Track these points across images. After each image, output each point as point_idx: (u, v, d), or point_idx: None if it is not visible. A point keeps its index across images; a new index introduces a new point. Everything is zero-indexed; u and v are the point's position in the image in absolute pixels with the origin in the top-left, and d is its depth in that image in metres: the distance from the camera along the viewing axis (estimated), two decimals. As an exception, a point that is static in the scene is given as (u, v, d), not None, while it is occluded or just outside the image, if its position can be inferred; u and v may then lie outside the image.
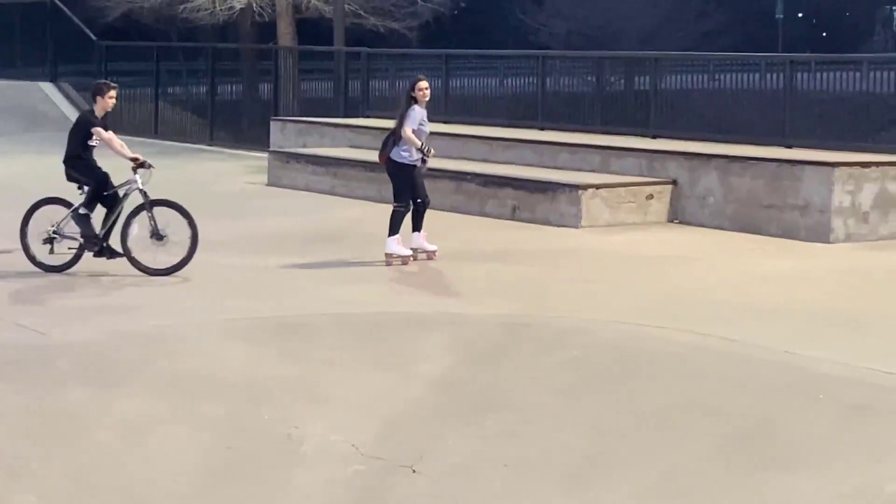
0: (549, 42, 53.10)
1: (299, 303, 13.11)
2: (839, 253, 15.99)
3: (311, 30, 35.85)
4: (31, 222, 15.20)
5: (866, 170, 16.97)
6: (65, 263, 14.88)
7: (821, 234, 16.69)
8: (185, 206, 15.21)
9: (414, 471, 9.87)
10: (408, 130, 15.17)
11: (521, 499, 9.32)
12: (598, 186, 18.29)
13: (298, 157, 23.55)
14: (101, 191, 15.08)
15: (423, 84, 15.65)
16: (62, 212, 15.12)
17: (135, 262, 14.79)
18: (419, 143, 15.17)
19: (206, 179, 24.62)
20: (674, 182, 18.64)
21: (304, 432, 10.36)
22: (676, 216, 18.50)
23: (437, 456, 10.02)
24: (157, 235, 14.92)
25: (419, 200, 15.42)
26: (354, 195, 21.43)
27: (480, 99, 26.31)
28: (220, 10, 34.68)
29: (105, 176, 15.14)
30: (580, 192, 18.10)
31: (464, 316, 12.33)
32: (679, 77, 23.39)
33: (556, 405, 10.43)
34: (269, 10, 35.22)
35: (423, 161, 15.58)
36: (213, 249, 16.37)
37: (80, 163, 15.11)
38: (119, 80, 34.80)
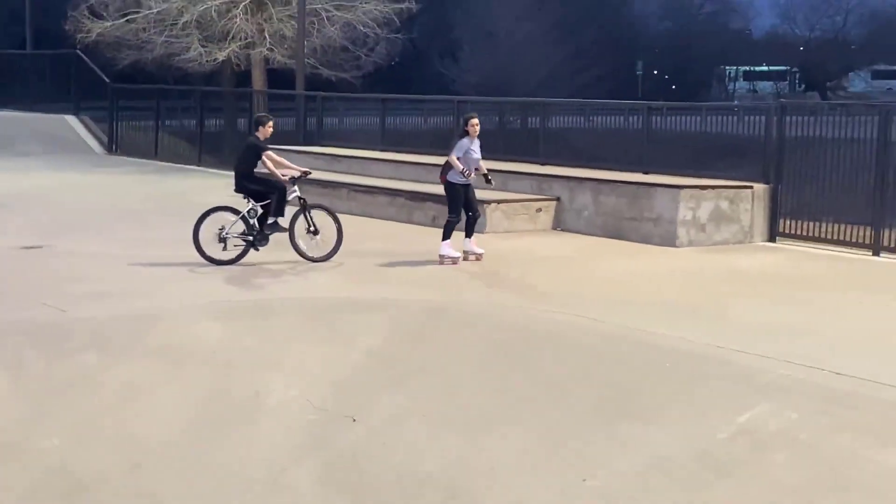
0: (462, 90, 53.20)
1: (267, 289, 13.03)
2: (683, 255, 16.13)
3: (279, 77, 35.74)
4: (203, 226, 14.98)
5: (704, 191, 17.14)
6: (235, 258, 14.83)
7: (669, 240, 16.83)
8: (333, 209, 15.77)
9: (354, 420, 9.84)
10: (453, 157, 14.77)
11: (436, 444, 9.30)
12: (499, 202, 18.34)
13: (267, 177, 23.41)
14: (285, 197, 15.07)
15: (475, 120, 15.20)
16: (229, 217, 15.07)
17: (299, 251, 15.14)
18: (460, 167, 14.70)
19: (195, 192, 24.40)
20: (557, 199, 18.74)
21: (269, 390, 10.31)
22: (559, 225, 18.59)
23: (372, 409, 9.99)
24: (313, 231, 15.17)
25: (471, 213, 15.04)
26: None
27: (409, 133, 26.28)
28: (207, 61, 34.52)
29: (284, 185, 15.12)
30: (486, 205, 18.07)
31: (395, 301, 12.31)
32: (562, 118, 23.54)
33: (466, 372, 10.42)
34: (245, 62, 35.09)
35: (488, 181, 15.41)
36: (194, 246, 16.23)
37: (254, 178, 15.38)
38: (125, 114, 35.00)
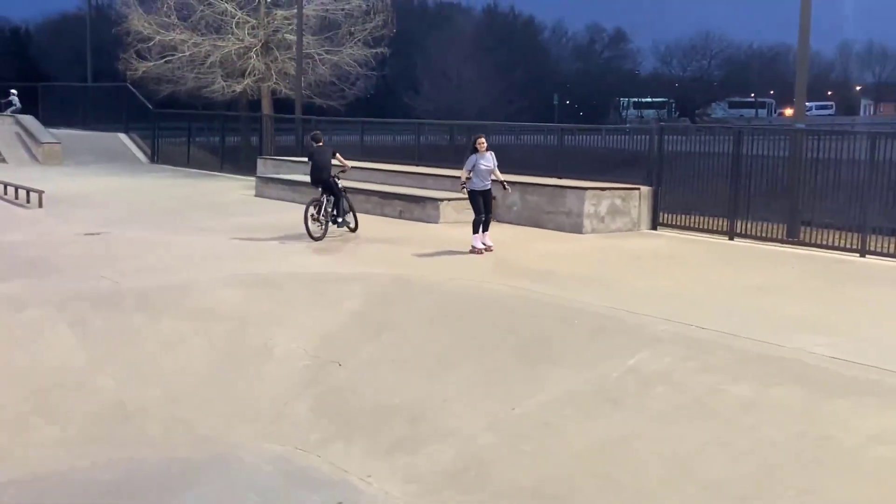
0: (422, 115, 53.00)
1: (270, 266, 12.97)
2: (588, 239, 16.18)
3: (282, 104, 35.52)
4: (307, 212, 15.56)
5: (603, 192, 17.18)
6: (322, 234, 15.52)
7: (577, 229, 16.86)
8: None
9: (339, 365, 9.85)
10: (463, 172, 14.25)
11: (401, 382, 9.35)
12: (449, 199, 18.28)
13: (273, 180, 23.25)
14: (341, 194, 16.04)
15: (481, 139, 14.38)
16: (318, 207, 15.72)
17: (345, 226, 16.09)
18: (462, 178, 14.25)
19: (217, 192, 24.25)
20: (494, 197, 18.66)
21: (275, 342, 10.30)
22: (496, 218, 18.48)
23: (353, 356, 10.01)
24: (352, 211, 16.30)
25: (486, 213, 14.35)
26: (306, 203, 21.20)
27: (382, 147, 26.18)
28: (227, 92, 34.33)
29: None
30: (439, 202, 18.10)
31: (370, 274, 12.29)
32: (498, 136, 23.42)
33: (424, 328, 10.45)
34: (257, 93, 34.91)
35: (504, 188, 14.92)
36: (220, 232, 16.13)
37: (331, 178, 15.98)
38: (164, 132, 34.76)
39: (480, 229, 14.31)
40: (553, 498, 7.08)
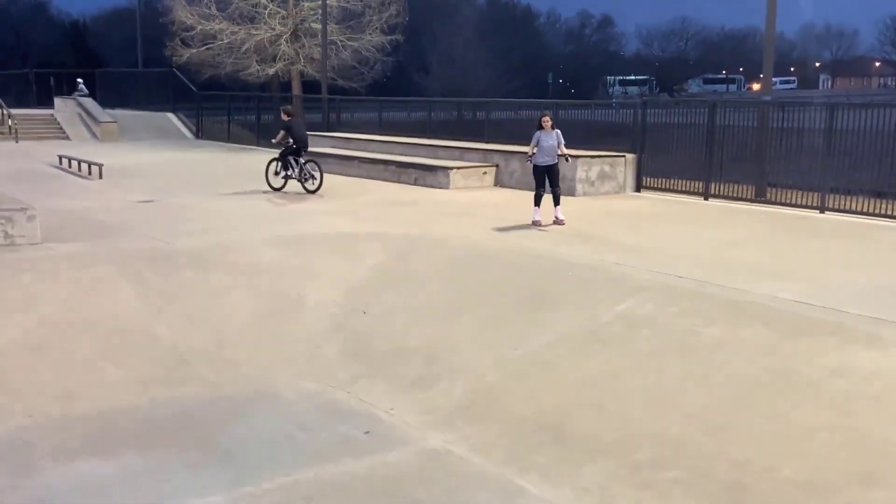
0: (432, 93, 52.64)
1: (302, 227, 12.95)
2: (580, 202, 16.10)
3: (310, 86, 35.31)
4: (270, 168, 17.14)
5: (593, 159, 17.08)
6: (282, 186, 16.83)
7: (571, 192, 16.72)
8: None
9: (364, 312, 9.86)
10: (530, 147, 13.14)
11: (418, 327, 9.36)
12: (458, 168, 18.23)
13: (303, 152, 23.21)
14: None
15: (546, 117, 13.20)
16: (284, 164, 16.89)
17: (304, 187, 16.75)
18: (529, 153, 13.13)
19: (255, 163, 24.05)
20: (497, 165, 18.61)
21: (306, 294, 10.31)
22: (499, 183, 18.49)
23: (375, 305, 10.03)
24: (311, 175, 16.75)
25: (553, 188, 13.14)
26: (332, 172, 21.04)
27: (399, 122, 26.02)
28: (261, 75, 34.16)
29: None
30: (449, 170, 18.02)
31: (389, 234, 12.27)
32: (499, 112, 23.31)
33: (438, 278, 10.44)
34: (287, 76, 34.67)
35: (566, 160, 13.49)
36: (257, 199, 16.11)
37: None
38: (207, 112, 34.61)
39: (544, 204, 13.11)
40: (551, 424, 7.12)
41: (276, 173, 17.06)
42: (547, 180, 13.20)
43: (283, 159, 16.94)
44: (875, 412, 6.32)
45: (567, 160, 13.73)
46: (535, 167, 13.25)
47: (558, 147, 13.17)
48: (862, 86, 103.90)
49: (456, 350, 8.70)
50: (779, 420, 6.48)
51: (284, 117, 17.34)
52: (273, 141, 17.31)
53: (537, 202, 13.16)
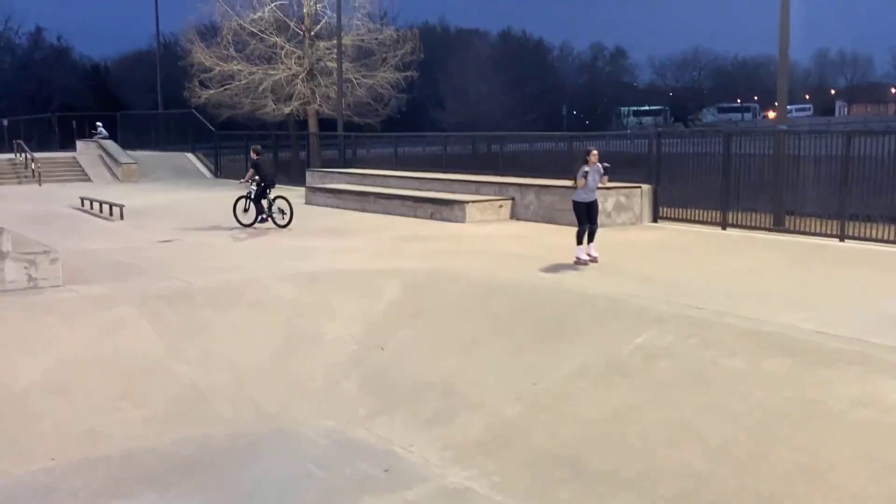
0: (447, 128, 53.09)
1: (320, 264, 12.99)
2: (597, 234, 16.03)
3: (326, 123, 35.62)
4: (237, 206, 17.75)
5: (609, 190, 16.95)
6: (252, 223, 17.32)
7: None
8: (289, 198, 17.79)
9: (382, 349, 9.84)
10: (576, 181, 12.31)
11: (435, 361, 9.32)
12: (474, 201, 18.29)
13: (321, 189, 23.34)
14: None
15: (594, 152, 12.58)
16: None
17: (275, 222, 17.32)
18: (575, 184, 12.36)
19: (273, 201, 24.37)
20: (512, 198, 18.64)
21: (324, 330, 10.31)
22: (515, 216, 18.50)
23: (394, 340, 10.01)
24: (281, 211, 17.32)
25: (591, 225, 12.47)
26: (349, 208, 21.32)
27: (414, 157, 26.21)
28: (277, 114, 34.56)
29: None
30: (465, 204, 18.08)
31: (406, 269, 12.28)
32: (514, 145, 23.43)
33: (454, 313, 10.41)
34: (304, 114, 35.05)
35: (606, 171, 12.54)
36: (275, 236, 16.21)
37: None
38: (225, 151, 35.02)
39: (585, 240, 12.48)
40: (572, 459, 7.04)
41: (245, 210, 17.66)
42: (588, 216, 12.53)
43: (251, 196, 17.55)
44: (901, 443, 6.21)
45: (605, 174, 12.76)
46: (578, 203, 12.58)
47: (600, 180, 12.60)
48: (878, 112, 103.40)
49: (475, 384, 8.66)
50: (803, 452, 6.39)
51: (253, 156, 18.11)
52: (241, 181, 18.17)
53: (580, 240, 12.47)
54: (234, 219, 17.80)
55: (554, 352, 8.87)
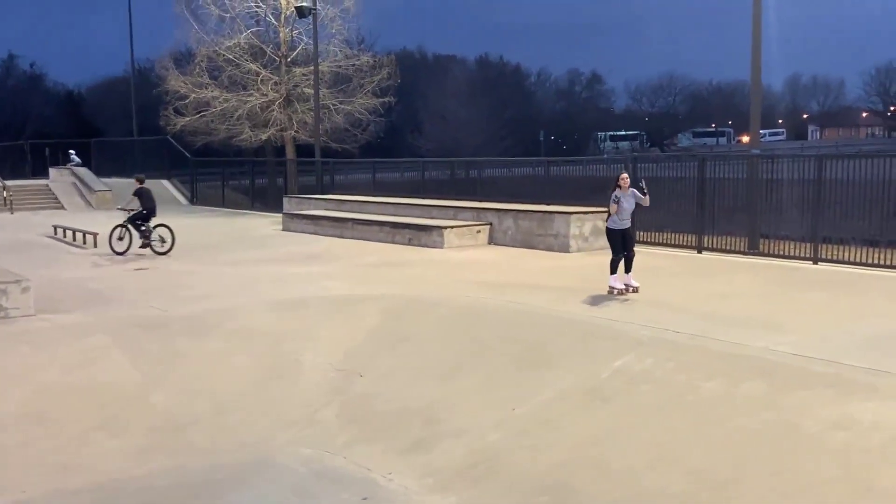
0: (426, 153, 53.31)
1: (299, 290, 12.96)
2: (574, 257, 16.19)
3: (303, 149, 35.59)
4: (113, 234, 18.02)
5: (586, 215, 17.19)
6: (125, 250, 17.55)
7: (565, 248, 16.89)
8: (170, 225, 18.14)
9: (361, 375, 9.82)
10: (611, 206, 11.62)
11: (416, 389, 9.30)
12: (452, 227, 18.33)
13: (298, 216, 23.30)
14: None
15: (624, 175, 12.01)
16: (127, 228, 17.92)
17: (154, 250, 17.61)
18: (610, 212, 11.69)
19: (250, 228, 24.32)
20: (490, 223, 18.72)
21: (305, 357, 10.28)
22: (493, 241, 18.57)
23: (373, 367, 9.98)
24: (161, 239, 17.74)
25: (626, 253, 11.81)
26: (327, 234, 21.30)
27: (392, 183, 26.28)
28: (254, 141, 34.50)
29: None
30: (443, 230, 18.13)
31: (385, 295, 12.27)
32: (492, 170, 23.55)
33: (435, 339, 10.42)
34: (280, 140, 35.00)
35: (644, 193, 12.01)
36: (253, 263, 16.15)
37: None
38: (201, 178, 35.00)
39: (619, 269, 11.89)
40: (554, 485, 7.04)
41: (120, 238, 17.93)
42: (623, 244, 11.89)
43: (131, 224, 17.93)
44: (877, 464, 6.28)
45: (645, 192, 12.17)
46: (612, 231, 11.91)
47: (642, 201, 12.07)
48: (850, 136, 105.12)
49: (455, 411, 8.65)
50: (783, 475, 6.43)
51: (137, 184, 18.54)
52: (119, 207, 18.72)
53: (614, 269, 11.85)
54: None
55: (534, 377, 8.88)
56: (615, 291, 11.79)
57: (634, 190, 12.02)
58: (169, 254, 17.45)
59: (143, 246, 17.71)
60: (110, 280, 14.39)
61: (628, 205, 11.89)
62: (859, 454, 6.43)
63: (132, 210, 17.95)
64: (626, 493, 6.70)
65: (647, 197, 12.14)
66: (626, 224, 11.95)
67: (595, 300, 11.52)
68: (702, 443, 7.08)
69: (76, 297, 12.69)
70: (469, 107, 66.19)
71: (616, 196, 11.77)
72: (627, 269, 11.90)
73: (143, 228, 17.76)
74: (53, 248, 19.86)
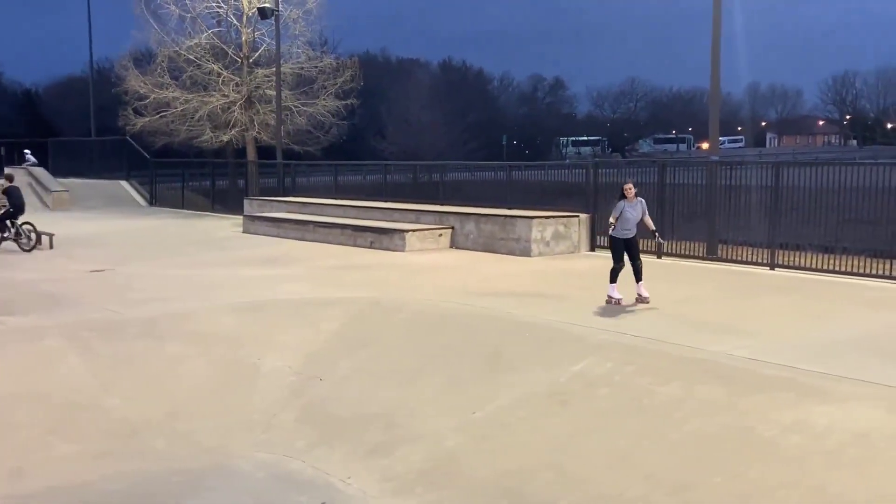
0: (389, 156, 53.21)
1: (261, 293, 12.86)
2: (535, 262, 16.26)
3: (264, 151, 35.43)
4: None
5: (547, 220, 17.30)
6: None
7: (526, 252, 16.96)
8: (34, 223, 19.24)
9: (321, 379, 9.76)
10: (611, 218, 11.36)
11: (377, 392, 9.27)
12: (414, 230, 18.32)
13: (259, 218, 23.12)
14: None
15: (629, 185, 11.49)
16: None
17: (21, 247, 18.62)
18: (611, 222, 11.38)
19: (209, 230, 24.09)
20: (452, 227, 18.74)
21: (264, 361, 10.19)
22: (455, 245, 18.59)
23: (334, 371, 9.93)
24: (27, 236, 18.82)
25: (632, 262, 11.47)
26: (288, 237, 21.16)
27: (355, 186, 26.22)
28: (215, 142, 34.24)
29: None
30: (405, 233, 18.10)
31: (345, 299, 12.23)
32: (455, 174, 23.63)
33: (396, 342, 10.40)
34: (242, 142, 34.75)
35: (654, 237, 12.02)
36: (213, 265, 15.99)
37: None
38: (161, 179, 34.58)
39: (617, 278, 11.55)
40: (511, 489, 7.06)
41: None
42: (626, 253, 11.59)
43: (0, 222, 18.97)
44: (831, 468, 6.38)
45: (657, 238, 12.13)
46: (614, 239, 11.59)
47: (642, 218, 11.66)
48: (807, 143, 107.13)
49: (415, 415, 8.63)
50: (738, 479, 6.51)
51: (6, 183, 19.19)
52: None
53: (614, 278, 11.53)
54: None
55: (494, 381, 8.90)
56: (613, 301, 11.47)
57: (642, 200, 11.69)
58: (33, 251, 18.52)
59: (5, 240, 18.82)
60: (66, 282, 14.15)
61: (633, 214, 11.48)
62: (814, 457, 6.53)
63: (3, 207, 18.90)
64: (584, 497, 6.74)
65: (655, 232, 11.89)
66: (630, 233, 11.58)
67: (556, 304, 11.57)
68: (659, 446, 7.14)
69: (31, 300, 12.47)
70: (432, 110, 66.25)
71: (620, 207, 11.41)
72: (638, 279, 11.56)
73: (10, 225, 18.83)
74: (7, 249, 19.47)
